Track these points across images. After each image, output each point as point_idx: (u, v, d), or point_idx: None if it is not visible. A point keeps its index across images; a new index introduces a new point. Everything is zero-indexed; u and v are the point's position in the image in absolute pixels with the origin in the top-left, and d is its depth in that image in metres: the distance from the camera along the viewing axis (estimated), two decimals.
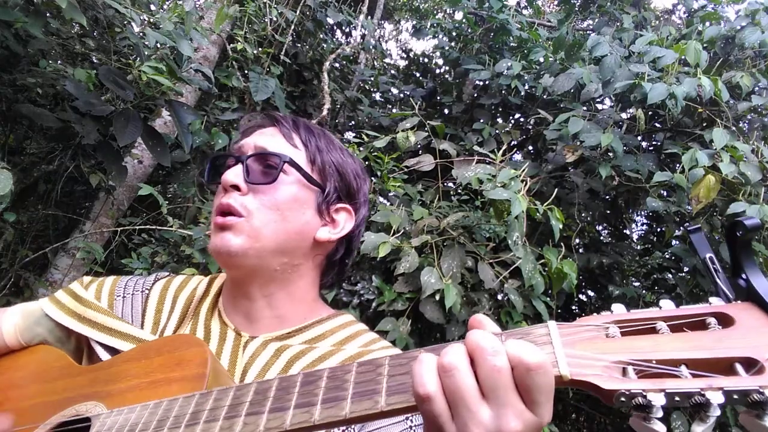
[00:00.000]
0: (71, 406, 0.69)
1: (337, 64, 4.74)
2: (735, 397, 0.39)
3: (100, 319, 0.79)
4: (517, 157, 4.03)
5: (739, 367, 0.41)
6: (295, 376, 0.53)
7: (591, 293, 4.11)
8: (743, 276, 0.46)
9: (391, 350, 0.81)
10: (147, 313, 0.83)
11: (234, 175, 0.76)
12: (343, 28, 4.97)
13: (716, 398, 0.39)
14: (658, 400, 0.40)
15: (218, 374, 0.65)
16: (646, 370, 0.42)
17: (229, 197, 0.76)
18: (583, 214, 3.48)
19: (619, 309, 0.48)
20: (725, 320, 0.44)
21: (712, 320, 0.44)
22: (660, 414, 0.40)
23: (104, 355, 0.76)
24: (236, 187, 0.76)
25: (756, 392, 0.38)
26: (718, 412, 0.39)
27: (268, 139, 0.81)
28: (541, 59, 3.50)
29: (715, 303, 0.47)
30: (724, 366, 0.41)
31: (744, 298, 0.46)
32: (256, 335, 0.78)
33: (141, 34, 2.37)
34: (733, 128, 2.75)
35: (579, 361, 0.44)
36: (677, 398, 0.40)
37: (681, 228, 3.35)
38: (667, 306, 0.47)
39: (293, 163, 0.78)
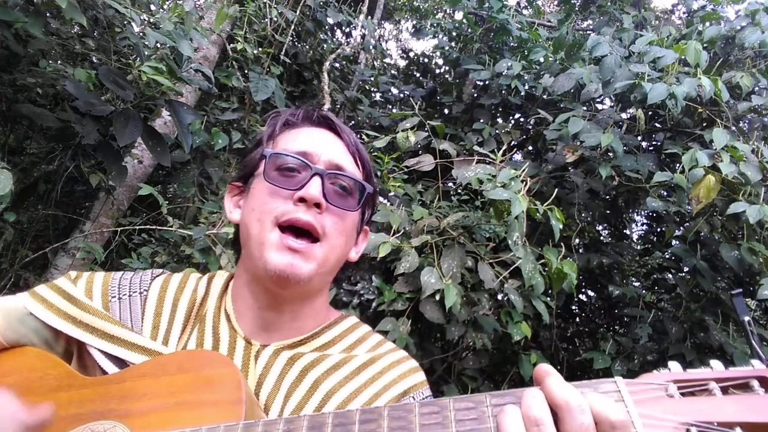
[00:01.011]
0: (84, 423, 0.64)
1: (337, 64, 4.74)
2: None
3: (100, 325, 0.73)
4: (517, 157, 4.03)
5: None
6: (351, 412, 0.52)
7: (591, 293, 4.11)
8: None
9: (398, 353, 0.82)
10: (146, 316, 0.77)
11: (318, 191, 0.71)
12: (343, 28, 4.97)
13: None
14: None
15: (250, 398, 0.63)
16: (707, 431, 0.46)
17: (309, 214, 0.71)
18: (583, 214, 3.48)
19: (676, 367, 0.52)
20: (766, 383, 0.49)
21: (755, 383, 0.49)
22: None
23: (106, 364, 0.71)
24: (318, 205, 0.72)
25: None
26: None
27: (341, 155, 0.79)
28: (541, 59, 3.50)
29: (757, 366, 0.51)
30: None
31: None
32: (267, 343, 0.76)
33: (141, 34, 2.37)
34: (733, 128, 2.75)
35: (652, 422, 0.47)
36: None
37: (681, 228, 3.35)
38: (717, 366, 0.52)
39: (370, 196, 0.79)
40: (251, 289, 0.77)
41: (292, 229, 0.71)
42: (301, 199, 0.71)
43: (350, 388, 0.75)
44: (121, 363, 0.71)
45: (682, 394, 0.49)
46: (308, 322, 0.80)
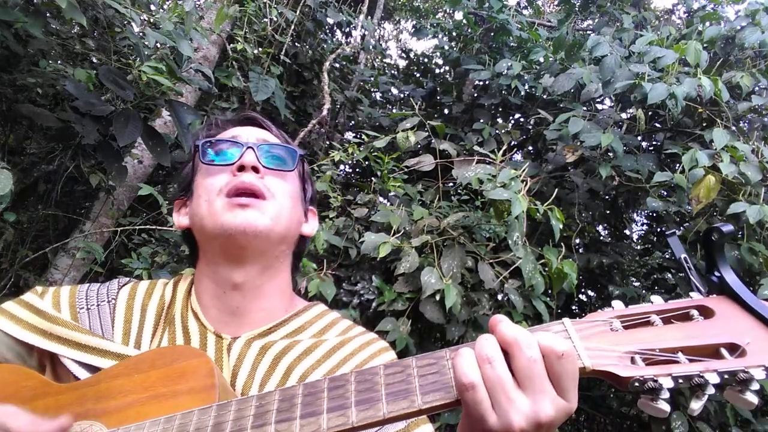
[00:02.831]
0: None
1: (337, 64, 4.74)
2: (726, 377, 0.46)
3: (71, 336, 0.74)
4: (517, 157, 4.03)
5: (724, 351, 0.48)
6: (319, 381, 0.53)
7: (591, 293, 4.11)
8: (716, 273, 0.54)
9: (368, 335, 0.84)
10: (116, 324, 0.78)
11: (253, 157, 0.76)
12: (343, 28, 4.97)
13: (713, 379, 0.46)
14: (667, 384, 0.46)
15: (223, 384, 0.64)
16: (651, 357, 0.49)
17: (249, 176, 0.75)
18: (583, 214, 3.48)
19: (618, 305, 0.55)
20: (706, 312, 0.52)
21: (695, 312, 0.52)
22: (667, 395, 0.47)
23: (80, 373, 0.71)
24: (256, 169, 0.76)
25: (741, 372, 0.46)
26: (712, 391, 0.46)
27: (266, 134, 0.84)
28: (541, 59, 3.50)
29: (695, 297, 0.54)
30: (712, 351, 0.48)
31: (718, 292, 0.54)
32: (237, 335, 0.77)
33: (141, 34, 2.37)
34: (733, 128, 2.75)
35: (596, 353, 0.50)
36: (681, 381, 0.47)
37: (681, 228, 3.35)
38: (657, 301, 0.54)
39: (302, 159, 0.83)
40: (213, 276, 0.78)
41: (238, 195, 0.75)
42: (240, 168, 0.75)
43: (322, 370, 0.76)
44: (94, 370, 0.72)
45: (625, 327, 0.52)
46: (274, 303, 0.81)
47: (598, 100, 3.42)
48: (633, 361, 0.49)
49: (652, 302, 0.54)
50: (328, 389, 0.52)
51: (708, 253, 0.54)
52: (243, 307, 0.78)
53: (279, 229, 0.76)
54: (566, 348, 0.48)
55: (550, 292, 2.53)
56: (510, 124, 3.80)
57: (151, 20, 2.49)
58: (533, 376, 0.47)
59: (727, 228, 0.53)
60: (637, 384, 0.47)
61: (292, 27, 3.63)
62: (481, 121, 3.59)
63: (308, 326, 0.82)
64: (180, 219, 0.85)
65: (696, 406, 0.47)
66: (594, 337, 0.51)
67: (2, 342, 0.74)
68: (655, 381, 0.46)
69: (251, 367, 0.74)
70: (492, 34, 4.16)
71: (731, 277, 0.53)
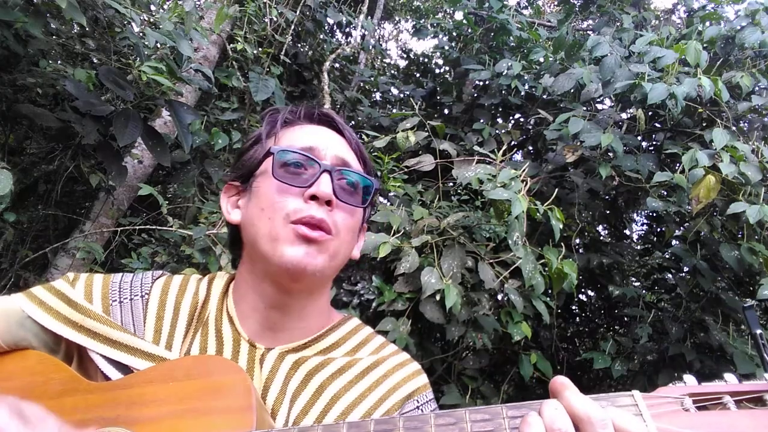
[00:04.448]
0: (90, 429, 0.62)
1: (337, 65, 4.74)
2: None
3: (103, 330, 0.72)
4: (517, 157, 4.03)
5: None
6: (366, 422, 0.52)
7: (591, 293, 4.11)
8: None
9: (401, 355, 0.83)
10: (148, 320, 0.76)
11: (329, 188, 0.71)
12: (343, 28, 4.97)
13: None
14: None
15: (260, 405, 0.62)
16: None
17: (321, 211, 0.70)
18: (583, 214, 3.48)
19: (691, 381, 0.53)
20: None
21: None
22: None
23: (108, 369, 0.70)
24: (329, 203, 0.71)
25: None
26: None
27: (345, 152, 0.79)
28: (541, 59, 3.50)
29: None
30: None
31: None
32: (272, 346, 0.75)
33: (141, 34, 2.37)
34: (733, 128, 2.75)
35: None
36: None
37: (681, 228, 3.35)
38: (731, 380, 0.52)
39: (376, 192, 0.80)
40: (256, 289, 0.75)
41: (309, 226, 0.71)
42: (313, 197, 0.70)
43: (355, 392, 0.75)
44: (123, 368, 0.70)
45: (698, 408, 0.50)
46: (313, 322, 0.79)
47: (598, 100, 3.43)
48: None
49: (725, 380, 0.53)
50: (375, 431, 0.51)
51: None
52: (282, 325, 0.76)
53: (335, 264, 0.74)
54: None
55: (550, 292, 2.53)
56: (510, 124, 3.80)
57: (151, 20, 2.49)
58: None
59: None
60: None
61: (292, 27, 3.63)
62: (481, 121, 3.59)
63: (342, 342, 0.81)
64: (231, 211, 0.80)
65: None
66: (666, 416, 0.49)
67: (29, 329, 0.72)
68: None
69: (283, 382, 0.72)
70: (492, 34, 4.16)
71: None
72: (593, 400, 0.49)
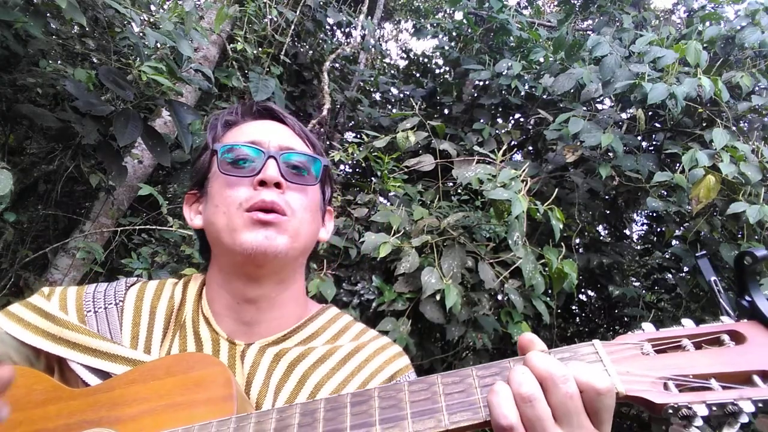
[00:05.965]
0: None
1: (337, 64, 4.74)
2: (760, 405, 0.46)
3: (80, 340, 0.72)
4: (517, 157, 4.03)
5: (757, 378, 0.47)
6: (342, 397, 0.52)
7: (591, 293, 4.11)
8: (747, 298, 0.53)
9: (382, 339, 0.84)
10: (124, 327, 0.76)
11: (276, 171, 0.73)
12: (343, 28, 4.97)
13: (747, 407, 0.45)
14: (701, 411, 0.46)
15: (241, 394, 0.63)
16: (684, 384, 0.48)
17: (271, 193, 0.72)
18: (583, 214, 3.47)
19: (649, 327, 0.54)
20: (737, 337, 0.51)
21: (726, 337, 0.51)
22: (700, 423, 0.46)
23: (89, 378, 0.70)
24: (278, 185, 0.73)
25: None
26: (746, 419, 0.46)
27: (289, 138, 0.81)
28: (541, 59, 3.50)
29: (726, 322, 0.53)
30: (745, 378, 0.48)
31: (748, 317, 0.53)
32: (251, 341, 0.76)
33: (141, 34, 2.37)
34: (733, 128, 2.75)
35: (629, 378, 0.49)
36: (714, 408, 0.46)
37: (681, 228, 3.35)
38: (688, 324, 0.54)
39: (326, 168, 0.81)
40: (226, 286, 0.77)
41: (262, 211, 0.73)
42: (261, 183, 0.73)
43: (338, 378, 0.75)
44: (104, 375, 0.71)
45: (657, 352, 0.51)
46: (288, 312, 0.80)
47: (598, 100, 3.43)
48: (666, 387, 0.48)
49: (683, 325, 0.54)
50: (351, 405, 0.51)
51: (739, 277, 0.54)
52: (257, 318, 0.77)
53: (298, 245, 0.75)
54: (606, 384, 0.46)
55: (550, 292, 2.53)
56: (510, 124, 3.80)
57: (151, 20, 2.49)
58: (570, 413, 0.46)
59: (762, 253, 0.52)
60: (670, 411, 0.47)
61: (292, 27, 3.63)
62: (481, 121, 3.59)
63: (322, 332, 0.82)
64: (193, 218, 0.82)
65: None
66: (626, 360, 0.50)
67: (9, 345, 0.73)
68: (689, 408, 0.46)
69: (266, 375, 0.73)
70: (492, 34, 4.16)
71: (763, 303, 0.52)
72: (556, 353, 0.51)
